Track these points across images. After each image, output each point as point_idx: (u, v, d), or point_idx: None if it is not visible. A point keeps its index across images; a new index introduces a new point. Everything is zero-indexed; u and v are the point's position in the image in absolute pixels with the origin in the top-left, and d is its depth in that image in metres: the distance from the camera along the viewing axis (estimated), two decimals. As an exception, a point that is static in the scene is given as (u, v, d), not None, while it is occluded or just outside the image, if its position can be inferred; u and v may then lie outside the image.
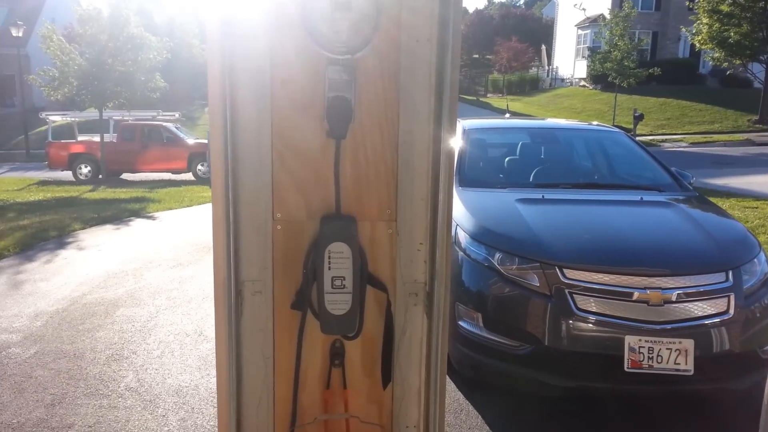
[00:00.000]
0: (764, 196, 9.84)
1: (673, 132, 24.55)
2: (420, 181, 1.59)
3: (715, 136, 22.64)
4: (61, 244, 7.28)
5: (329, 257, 1.53)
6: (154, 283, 5.47)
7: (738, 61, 23.30)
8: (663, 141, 22.76)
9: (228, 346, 1.54)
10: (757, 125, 23.72)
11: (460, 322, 3.31)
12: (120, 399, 3.22)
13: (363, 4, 1.47)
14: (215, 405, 3.15)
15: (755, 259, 3.26)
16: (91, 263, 6.28)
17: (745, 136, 22.26)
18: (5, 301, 4.91)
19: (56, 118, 18.91)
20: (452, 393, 3.34)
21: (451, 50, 1.46)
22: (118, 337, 4.11)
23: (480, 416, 3.14)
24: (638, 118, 21.77)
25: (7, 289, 5.28)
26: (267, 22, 1.48)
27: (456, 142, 4.73)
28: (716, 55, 23.30)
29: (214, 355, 3.64)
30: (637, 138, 21.12)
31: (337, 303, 1.54)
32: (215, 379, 3.34)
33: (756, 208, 8.64)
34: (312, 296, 1.57)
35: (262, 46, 1.49)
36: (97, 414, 3.06)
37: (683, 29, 22.20)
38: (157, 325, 4.34)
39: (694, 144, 21.52)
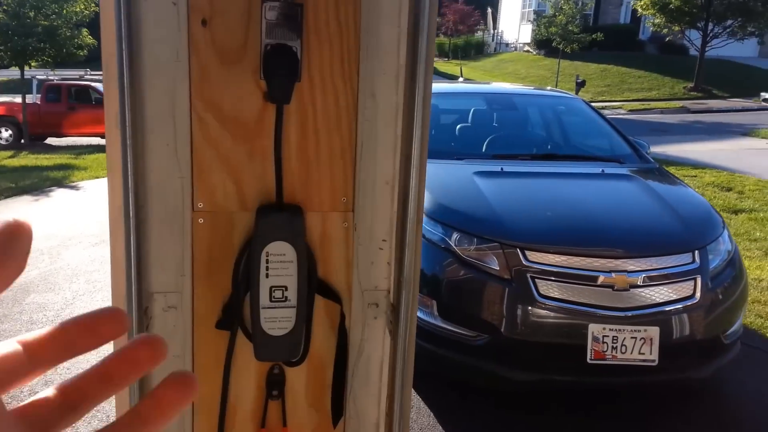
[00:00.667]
0: (701, 164, 9.97)
1: (613, 99, 24.92)
2: (385, 159, 1.24)
3: (653, 104, 23.09)
4: (-29, 218, 6.59)
5: (267, 261, 1.17)
6: (72, 264, 4.94)
7: (677, 28, 23.73)
8: (603, 108, 23.00)
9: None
10: (693, 92, 24.33)
11: (413, 310, 3.03)
12: (24, 406, 2.80)
13: None
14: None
15: (720, 238, 3.10)
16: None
17: (681, 103, 22.78)
18: None
19: (-29, 77, 17.52)
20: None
21: None
22: (25, 329, 3.63)
23: (432, 414, 2.88)
24: (580, 85, 21.94)
25: None
26: None
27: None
28: (657, 21, 23.68)
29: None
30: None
31: (277, 320, 1.19)
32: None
33: (695, 176, 8.72)
34: (244, 312, 1.22)
35: None
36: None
37: (626, -6, 22.52)
38: (73, 314, 3.87)
39: (632, 111, 21.86)
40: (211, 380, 1.27)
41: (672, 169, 9.15)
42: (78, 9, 15.34)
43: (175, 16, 1.11)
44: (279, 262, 1.18)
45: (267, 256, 1.17)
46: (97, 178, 9.50)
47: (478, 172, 3.51)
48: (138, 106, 1.12)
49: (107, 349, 0.35)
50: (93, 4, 15.78)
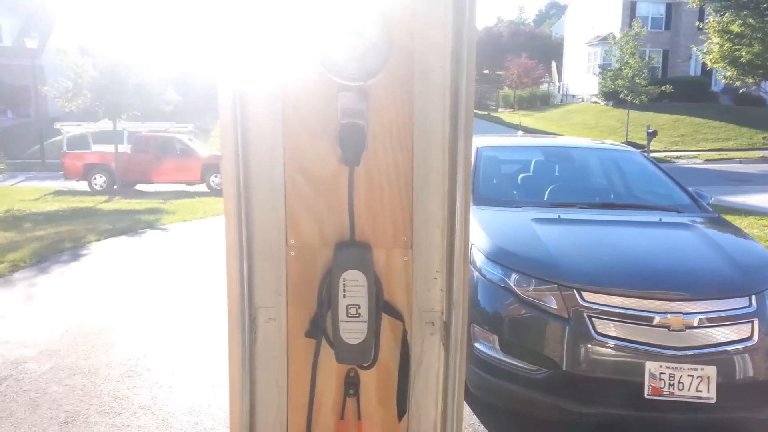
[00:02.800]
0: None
1: (687, 149, 24.44)
2: (435, 208, 1.56)
3: (731, 153, 22.50)
4: (77, 256, 7.32)
5: (344, 285, 1.50)
6: (170, 296, 5.47)
7: (751, 80, 23.15)
8: (677, 158, 22.65)
9: (241, 374, 1.52)
10: (772, 143, 23.53)
11: (476, 344, 3.27)
12: (133, 417, 3.21)
13: (375, 32, 1.45)
14: (228, 426, 3.12)
15: (780, 284, 3.19)
16: (107, 276, 6.30)
17: (760, 153, 22.12)
18: (20, 315, 4.93)
19: (71, 129, 19.09)
20: (468, 417, 3.30)
21: (466, 78, 1.44)
22: (132, 353, 4.10)
23: (496, 441, 3.09)
24: (652, 135, 21.67)
25: (21, 303, 5.30)
26: (279, 47, 1.47)
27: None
28: (728, 74, 23.19)
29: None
30: (651, 155, 21.04)
31: (352, 332, 1.51)
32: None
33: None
34: (327, 324, 1.54)
35: (274, 72, 1.48)
36: (112, 432, 3.05)
37: (694, 48, 22.11)
38: (173, 341, 4.34)
39: (708, 161, 21.38)
40: (301, 379, 1.60)
41: (751, 219, 9.03)
42: (164, 69, 16.63)
43: (274, 104, 1.50)
44: (353, 286, 1.51)
45: (344, 281, 1.50)
46: (185, 221, 10.25)
47: (536, 218, 3.75)
48: (246, 168, 1.49)
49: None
50: (179, 65, 17.12)
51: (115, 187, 16.78)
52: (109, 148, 17.34)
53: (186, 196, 15.10)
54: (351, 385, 1.61)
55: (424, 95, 1.52)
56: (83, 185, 17.11)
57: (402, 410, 1.61)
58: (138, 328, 4.58)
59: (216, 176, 16.70)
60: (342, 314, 1.50)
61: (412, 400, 1.64)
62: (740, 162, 20.74)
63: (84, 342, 4.29)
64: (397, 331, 1.59)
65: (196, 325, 4.68)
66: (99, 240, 8.32)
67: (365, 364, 1.56)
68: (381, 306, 1.55)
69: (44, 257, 7.14)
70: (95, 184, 17.03)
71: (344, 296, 1.50)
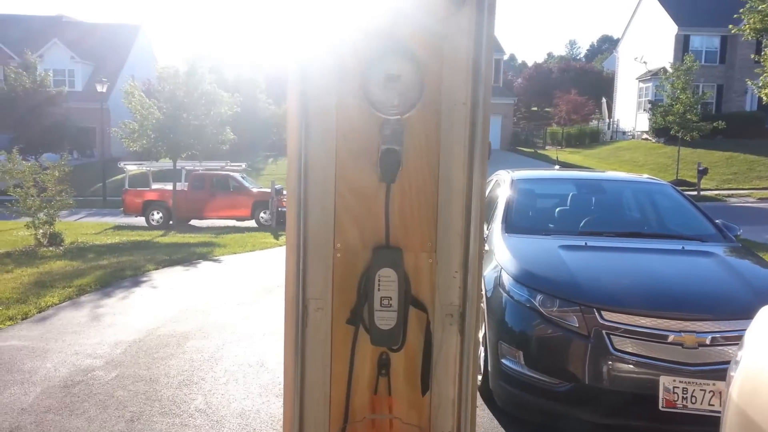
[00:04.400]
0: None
1: (740, 187, 23.90)
2: (456, 218, 1.88)
3: (787, 193, 21.92)
4: (136, 283, 7.86)
5: (379, 281, 1.83)
6: (220, 319, 5.88)
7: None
8: (729, 196, 22.18)
9: (294, 353, 1.85)
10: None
11: (503, 360, 3.51)
12: (190, 418, 3.56)
13: (410, 76, 1.82)
14: (275, 428, 3.44)
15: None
16: (164, 300, 6.79)
17: (817, 191, 21.46)
18: (88, 332, 5.41)
19: (132, 168, 20.21)
20: (495, 429, 3.51)
21: (482, 112, 1.79)
22: (188, 365, 4.49)
23: (520, 450, 3.30)
24: (702, 172, 21.35)
25: (89, 321, 5.79)
26: (334, 87, 1.85)
27: (504, 192, 5.00)
28: (785, 108, 22.65)
29: (274, 384, 3.96)
30: (701, 193, 20.72)
31: (385, 319, 1.83)
32: (275, 404, 3.66)
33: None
34: (364, 313, 1.86)
35: (330, 107, 1.85)
36: (170, 430, 3.40)
37: (749, 82, 21.75)
38: (223, 356, 4.71)
39: (762, 199, 20.86)
40: (342, 360, 1.91)
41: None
42: (222, 110, 17.52)
43: (329, 130, 1.86)
44: (387, 282, 1.84)
45: (379, 277, 1.83)
46: (235, 253, 10.78)
47: (563, 245, 3.99)
48: (305, 183, 1.86)
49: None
50: (235, 107, 18.01)
51: (170, 222, 17.61)
52: (168, 186, 18.29)
53: (236, 231, 15.76)
54: (383, 366, 1.91)
55: (448, 125, 1.86)
56: (141, 221, 18.03)
57: (425, 388, 1.91)
58: (193, 343, 4.98)
59: (265, 212, 17.35)
60: (377, 304, 1.82)
61: (434, 380, 1.93)
62: (797, 201, 20.17)
63: (145, 355, 4.71)
64: (422, 321, 1.90)
65: (245, 339, 5.04)
66: (157, 269, 8.89)
67: (395, 347, 1.87)
68: (409, 299, 1.86)
69: (107, 283, 7.70)
70: (152, 220, 17.92)
71: (379, 290, 1.82)
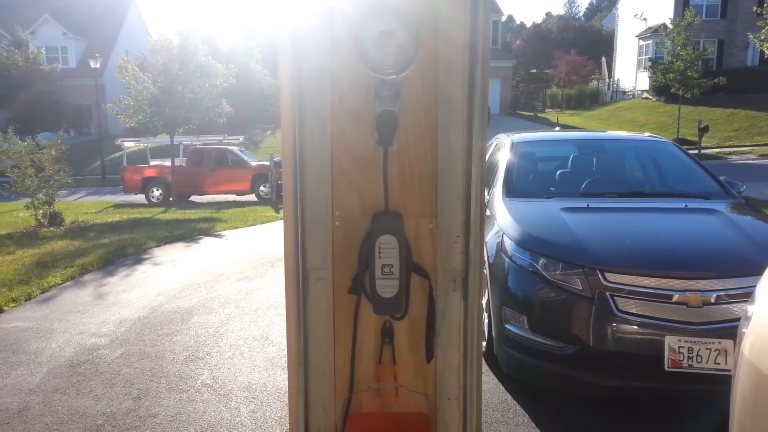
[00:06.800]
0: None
1: (741, 144, 23.72)
2: (456, 181, 1.83)
3: (789, 148, 21.75)
4: (139, 260, 7.86)
5: (380, 248, 1.78)
6: (223, 294, 5.89)
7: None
8: (730, 153, 22.03)
9: (297, 324, 1.82)
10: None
11: (507, 326, 3.50)
12: (197, 393, 3.58)
13: (405, 32, 1.74)
14: (282, 400, 3.45)
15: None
16: (167, 276, 6.79)
17: (820, 146, 21.29)
18: (92, 310, 5.41)
19: (130, 144, 20.10)
20: (501, 394, 3.52)
21: (480, 69, 1.73)
22: (193, 341, 4.50)
23: (527, 414, 3.31)
24: (703, 130, 21.14)
25: (93, 300, 5.80)
26: (327, 49, 1.78)
27: (504, 156, 4.94)
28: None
29: (279, 357, 3.96)
30: (702, 151, 20.56)
31: (387, 287, 1.79)
32: (281, 377, 3.67)
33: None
34: (365, 282, 1.82)
35: (323, 70, 1.78)
36: (178, 406, 3.42)
37: (751, 36, 21.34)
38: (228, 331, 4.72)
39: (763, 156, 20.73)
40: (345, 329, 1.89)
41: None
42: (217, 82, 17.29)
43: (323, 94, 1.80)
44: (387, 249, 1.79)
45: (380, 245, 1.79)
46: (236, 228, 10.77)
47: (565, 208, 3.95)
48: (300, 150, 1.80)
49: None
50: (231, 78, 17.76)
51: (170, 198, 17.56)
52: (166, 162, 18.16)
53: (236, 205, 15.73)
54: (387, 335, 1.89)
55: (446, 84, 1.79)
56: (141, 198, 17.99)
57: (430, 355, 1.88)
58: (197, 319, 4.99)
59: (264, 186, 17.28)
60: (378, 272, 1.78)
61: (438, 346, 1.90)
62: (799, 156, 20.02)
63: (149, 332, 4.72)
64: (424, 287, 1.86)
65: (249, 313, 5.06)
66: (158, 246, 8.88)
67: (398, 315, 1.83)
68: (410, 266, 1.82)
69: (109, 261, 7.70)
70: (152, 197, 17.86)
71: (380, 257, 1.78)
